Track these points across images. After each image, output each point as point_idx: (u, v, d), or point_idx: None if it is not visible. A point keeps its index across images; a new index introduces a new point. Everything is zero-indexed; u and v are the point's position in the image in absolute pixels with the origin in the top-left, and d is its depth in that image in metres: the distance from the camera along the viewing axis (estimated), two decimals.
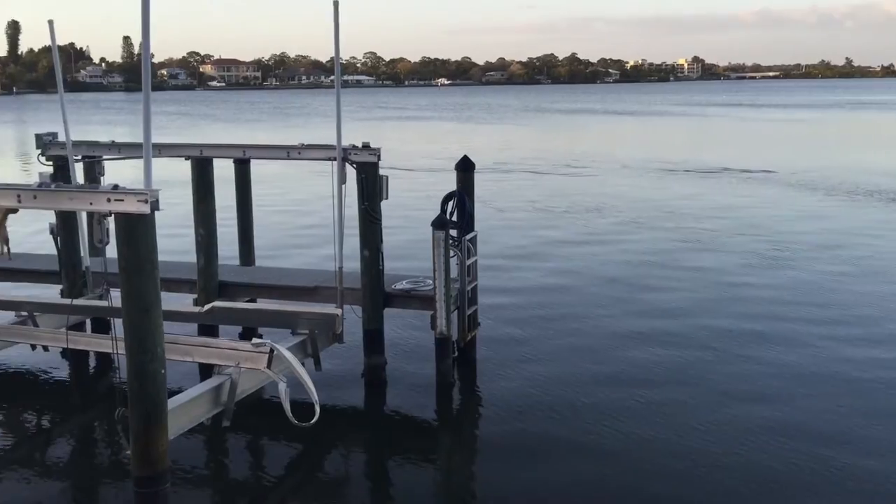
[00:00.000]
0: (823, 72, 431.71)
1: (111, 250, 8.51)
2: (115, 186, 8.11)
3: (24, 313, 12.52)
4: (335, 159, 12.55)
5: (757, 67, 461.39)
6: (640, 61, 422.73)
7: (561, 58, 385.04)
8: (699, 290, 17.98)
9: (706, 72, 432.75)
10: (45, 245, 15.71)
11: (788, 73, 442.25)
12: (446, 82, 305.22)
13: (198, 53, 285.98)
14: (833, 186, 33.51)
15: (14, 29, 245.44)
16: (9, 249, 15.29)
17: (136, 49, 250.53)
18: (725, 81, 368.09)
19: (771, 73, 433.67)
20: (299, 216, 27.34)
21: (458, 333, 12.87)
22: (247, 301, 13.92)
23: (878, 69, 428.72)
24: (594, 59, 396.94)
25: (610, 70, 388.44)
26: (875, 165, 40.61)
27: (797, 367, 13.23)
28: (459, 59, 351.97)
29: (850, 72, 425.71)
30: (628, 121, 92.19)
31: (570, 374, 13.03)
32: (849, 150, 51.22)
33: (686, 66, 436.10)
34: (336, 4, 12.20)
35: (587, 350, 14.20)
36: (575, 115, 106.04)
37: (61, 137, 13.90)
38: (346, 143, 12.56)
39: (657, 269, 20.03)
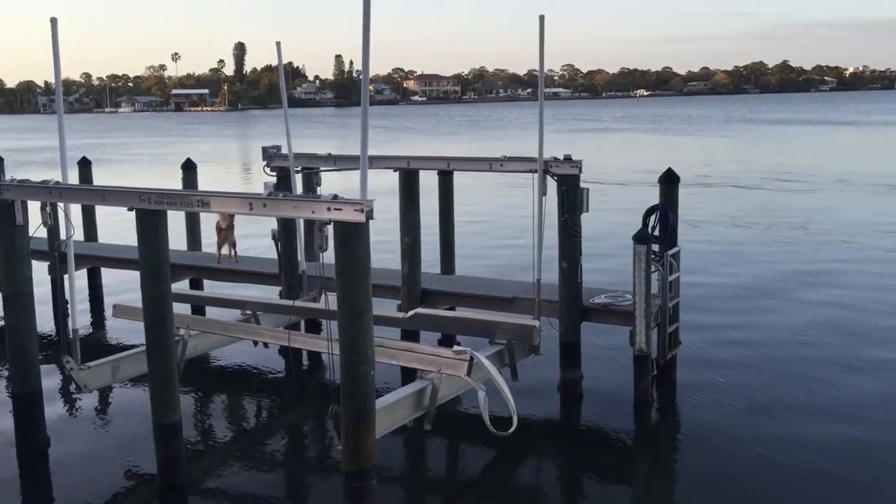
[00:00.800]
0: None
1: (324, 255, 9.09)
2: (335, 196, 8.65)
3: (249, 312, 13.64)
4: (536, 171, 12.66)
5: None
6: (860, 68, 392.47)
7: (770, 65, 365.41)
8: None
9: None
10: (265, 250, 17.01)
11: None
12: (645, 93, 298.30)
13: (402, 69, 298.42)
14: None
15: (240, 50, 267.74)
16: (236, 253, 16.71)
17: (347, 66, 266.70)
18: None
19: None
20: (499, 227, 27.77)
21: (658, 351, 12.54)
22: (447, 308, 14.33)
23: None
24: (808, 67, 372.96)
25: (826, 77, 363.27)
26: None
27: None
28: (659, 68, 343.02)
29: None
30: (845, 131, 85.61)
31: (774, 402, 12.30)
32: None
33: None
34: (542, 19, 12.33)
35: (792, 377, 13.35)
36: (784, 125, 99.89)
37: (284, 150, 15.03)
38: (546, 155, 12.63)
39: (871, 293, 18.47)
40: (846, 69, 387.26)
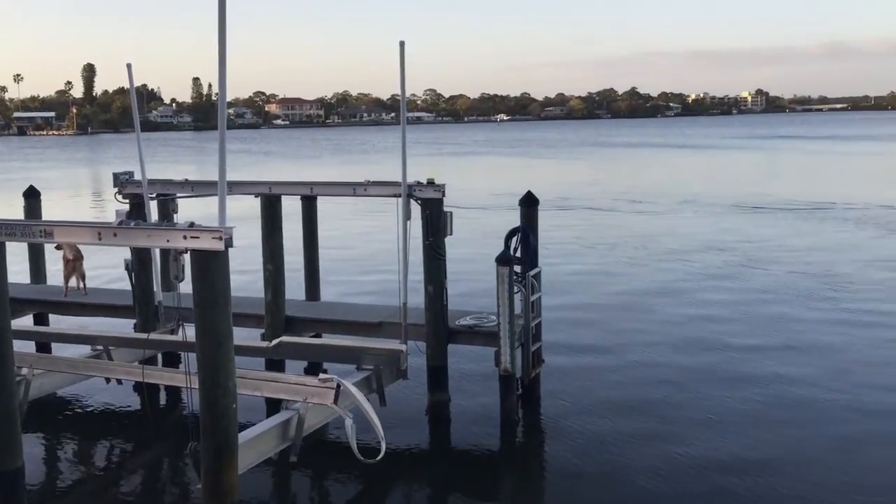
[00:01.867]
0: (893, 102, 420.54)
1: (181, 285, 8.73)
2: (192, 224, 8.33)
3: (100, 347, 12.88)
4: (400, 196, 12.70)
5: (823, 100, 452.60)
6: (701, 94, 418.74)
7: (621, 92, 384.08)
8: (760, 327, 17.56)
9: (770, 104, 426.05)
10: (118, 280, 16.17)
11: (857, 104, 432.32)
12: (505, 118, 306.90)
13: (263, 93, 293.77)
14: (871, 221, 32.49)
15: (90, 72, 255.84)
16: (85, 285, 15.80)
17: (205, 90, 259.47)
18: (791, 114, 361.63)
19: (838, 105, 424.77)
20: (364, 252, 27.65)
21: (523, 370, 12.79)
22: (312, 336, 14.08)
23: None
24: (655, 93, 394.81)
25: (671, 104, 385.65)
26: None
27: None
28: (518, 94, 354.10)
29: None
30: (689, 154, 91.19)
31: (634, 415, 12.79)
32: None
33: (749, 98, 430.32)
34: (402, 45, 12.45)
35: (650, 390, 13.93)
36: (633, 148, 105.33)
37: (137, 176, 14.38)
38: (409, 179, 12.70)
39: (721, 308, 19.64)
40: (689, 95, 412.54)
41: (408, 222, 12.63)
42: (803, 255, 25.57)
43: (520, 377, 12.69)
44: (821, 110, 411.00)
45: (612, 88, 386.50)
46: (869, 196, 40.80)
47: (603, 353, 15.99)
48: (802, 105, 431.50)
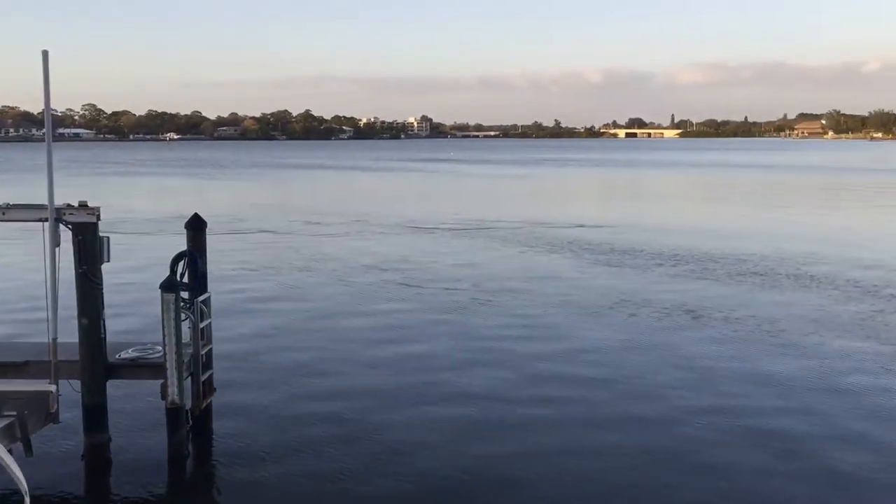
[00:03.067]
0: (537, 132, 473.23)
1: None
2: None
3: None
4: (47, 220, 11.48)
5: (480, 127, 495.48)
6: (372, 119, 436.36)
7: (295, 114, 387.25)
8: (423, 342, 18.63)
9: (434, 130, 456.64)
10: None
11: (507, 132, 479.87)
12: (175, 136, 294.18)
13: None
14: (515, 240, 36.51)
15: None
16: None
17: None
18: (452, 139, 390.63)
19: (492, 133, 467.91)
20: (8, 284, 24.60)
21: (192, 402, 12.18)
22: None
23: (583, 130, 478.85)
24: (328, 116, 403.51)
25: (344, 127, 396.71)
26: (563, 217, 44.96)
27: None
28: (189, 112, 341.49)
29: (559, 132, 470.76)
30: (360, 176, 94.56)
31: (310, 438, 12.78)
32: (543, 203, 56.36)
33: (416, 124, 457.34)
34: (45, 54, 11.29)
35: (325, 409, 14.05)
36: (308, 170, 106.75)
37: None
38: (60, 201, 11.55)
39: (387, 330, 20.50)
40: (361, 119, 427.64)
41: (56, 249, 11.43)
42: (458, 271, 27.51)
43: (189, 409, 12.07)
44: (478, 136, 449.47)
45: (286, 110, 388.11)
46: (515, 215, 45.30)
47: (274, 380, 15.76)
48: (462, 131, 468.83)
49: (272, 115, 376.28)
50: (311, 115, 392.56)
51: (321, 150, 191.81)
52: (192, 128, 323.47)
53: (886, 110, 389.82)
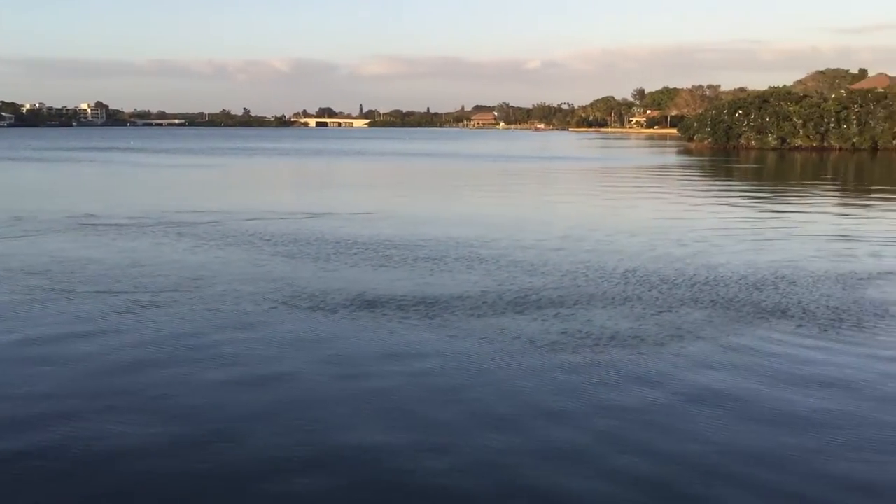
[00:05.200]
0: (225, 120, 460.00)
1: None
2: None
3: None
4: None
5: (163, 115, 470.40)
6: (37, 104, 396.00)
7: None
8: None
9: (111, 118, 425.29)
10: None
11: (193, 120, 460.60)
12: None
13: None
14: (190, 233, 34.44)
15: None
16: None
17: None
18: (132, 127, 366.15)
19: (177, 121, 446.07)
20: None
21: None
22: None
23: (273, 119, 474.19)
24: None
25: (3, 113, 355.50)
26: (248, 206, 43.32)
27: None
28: None
29: (248, 121, 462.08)
30: (22, 167, 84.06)
31: None
32: (222, 193, 54.13)
33: (90, 110, 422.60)
34: None
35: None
36: None
37: None
38: None
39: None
40: (22, 105, 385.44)
41: None
42: (119, 272, 24.74)
43: None
44: (160, 124, 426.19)
45: None
46: (192, 207, 42.50)
47: None
48: (143, 119, 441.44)
49: None
50: None
51: None
52: None
53: (547, 103, 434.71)
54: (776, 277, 23.61)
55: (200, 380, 14.60)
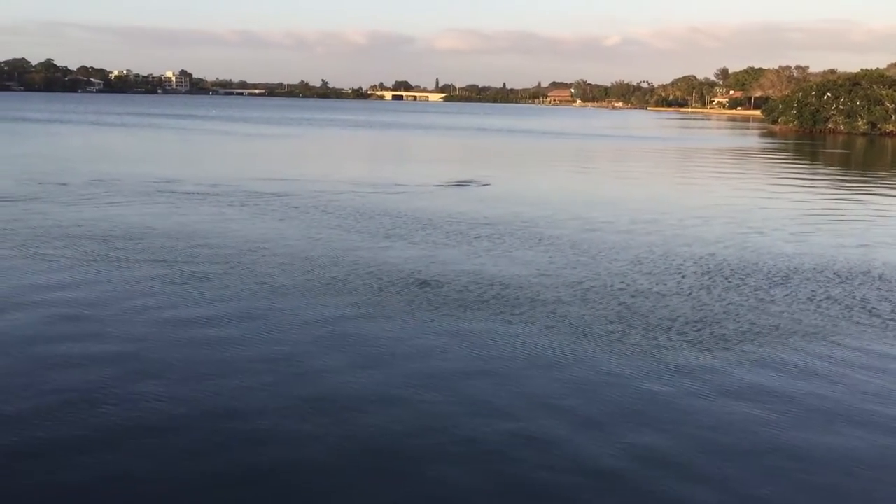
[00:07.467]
0: (304, 91, 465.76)
1: None
2: None
3: None
4: None
5: (244, 84, 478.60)
6: (125, 72, 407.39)
7: (35, 63, 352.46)
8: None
9: (194, 86, 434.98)
10: None
11: (273, 91, 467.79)
12: None
13: None
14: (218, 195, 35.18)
15: None
16: None
17: None
18: (215, 96, 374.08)
19: (257, 91, 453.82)
20: None
21: None
22: None
23: (350, 91, 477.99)
24: (74, 67, 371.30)
25: (92, 79, 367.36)
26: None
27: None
28: None
29: (326, 92, 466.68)
30: (108, 131, 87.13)
31: None
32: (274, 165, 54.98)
33: (174, 79, 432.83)
34: None
35: None
36: (47, 124, 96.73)
37: None
38: None
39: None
40: (111, 72, 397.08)
41: None
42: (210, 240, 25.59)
43: None
44: (241, 94, 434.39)
45: (24, 58, 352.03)
46: (254, 176, 43.45)
47: None
48: (225, 88, 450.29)
49: (6, 63, 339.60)
50: (54, 66, 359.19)
51: (66, 103, 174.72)
52: None
53: (626, 81, 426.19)
54: None
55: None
